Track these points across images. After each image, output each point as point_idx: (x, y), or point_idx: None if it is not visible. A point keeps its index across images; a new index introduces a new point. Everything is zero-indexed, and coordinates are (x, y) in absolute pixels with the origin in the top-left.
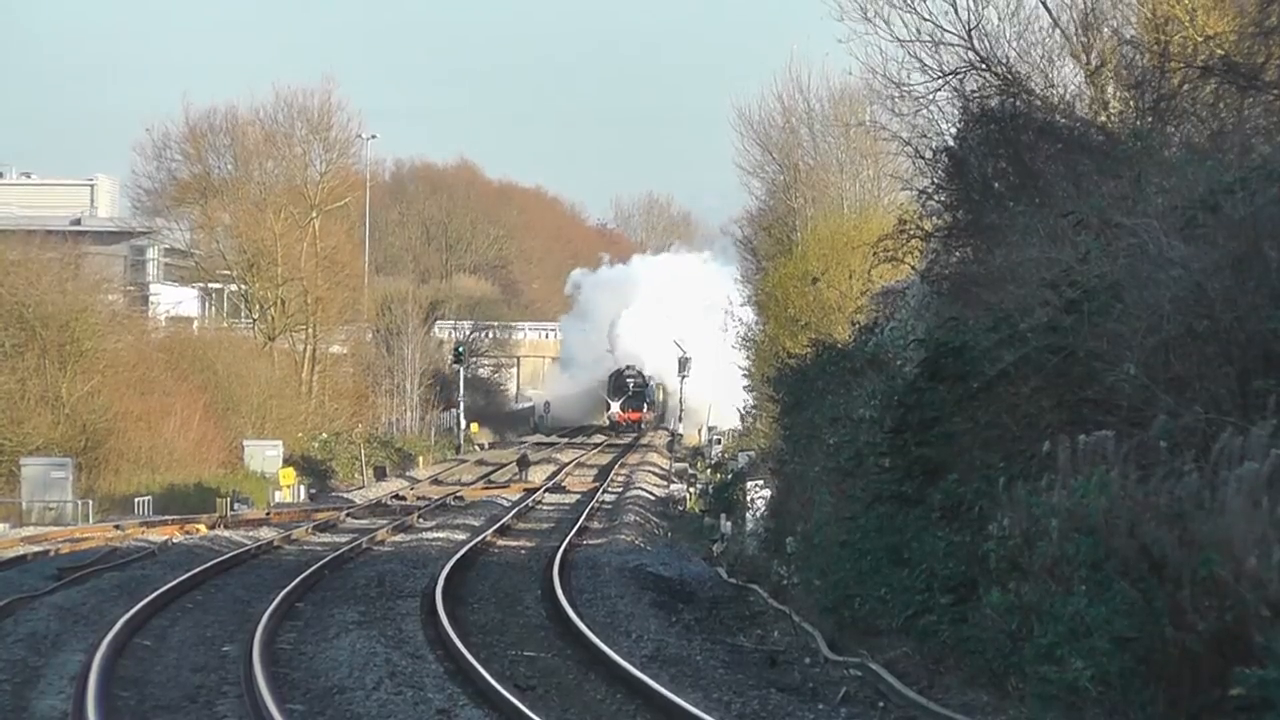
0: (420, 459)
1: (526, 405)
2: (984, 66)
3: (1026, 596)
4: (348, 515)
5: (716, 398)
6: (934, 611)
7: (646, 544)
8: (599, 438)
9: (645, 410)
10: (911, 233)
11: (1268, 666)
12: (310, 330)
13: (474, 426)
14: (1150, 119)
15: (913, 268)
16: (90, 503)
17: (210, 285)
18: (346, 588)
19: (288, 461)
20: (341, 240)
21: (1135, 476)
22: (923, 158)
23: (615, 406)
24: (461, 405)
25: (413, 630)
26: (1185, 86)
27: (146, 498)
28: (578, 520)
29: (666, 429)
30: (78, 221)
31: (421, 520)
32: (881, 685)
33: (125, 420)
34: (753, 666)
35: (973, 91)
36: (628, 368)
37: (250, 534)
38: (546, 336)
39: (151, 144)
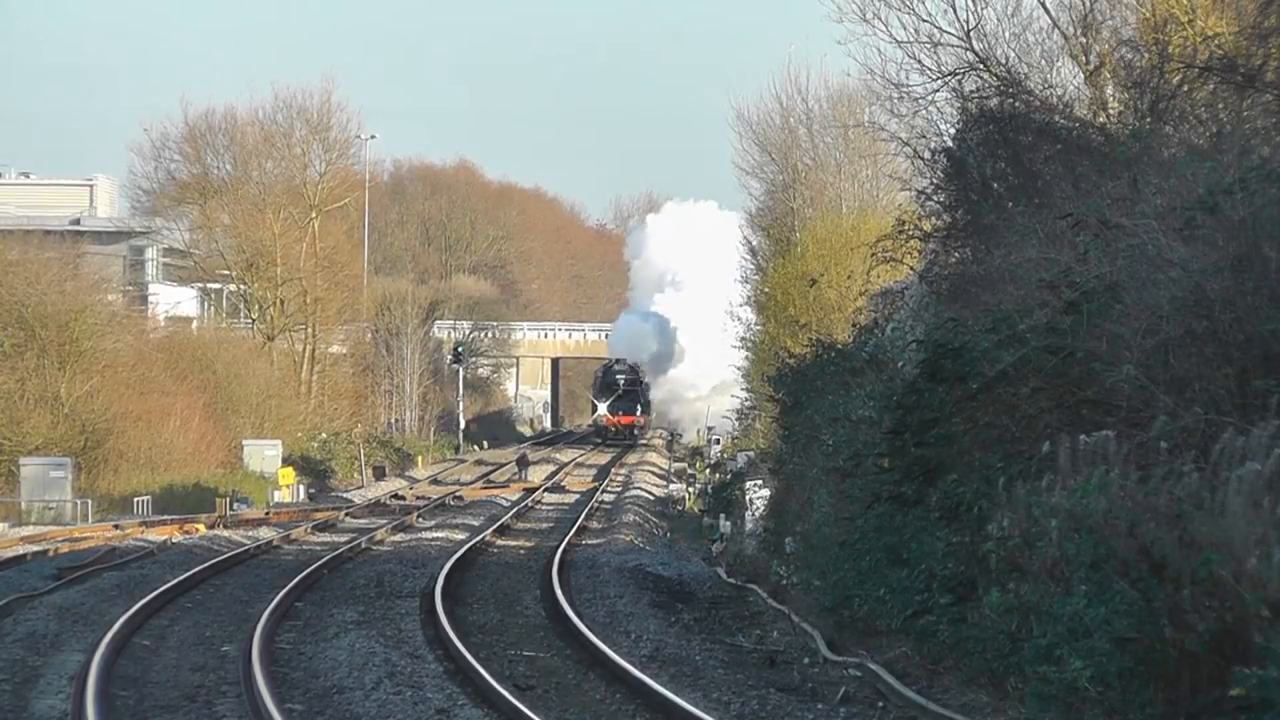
0: (419, 459)
1: (526, 404)
2: (983, 67)
3: (1026, 597)
4: (347, 515)
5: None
6: (933, 612)
7: (645, 544)
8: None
9: (639, 413)
10: (910, 233)
11: (1267, 666)
12: (309, 330)
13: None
14: (1149, 120)
15: (911, 268)
16: (89, 502)
17: (209, 285)
18: (345, 587)
19: (287, 461)
20: (341, 240)
21: (1135, 477)
22: (921, 158)
23: (603, 408)
24: (461, 405)
25: (412, 630)
26: (1184, 87)
27: (146, 497)
28: (577, 520)
29: (666, 430)
30: (77, 221)
31: (421, 520)
32: (881, 685)
33: (124, 420)
34: (752, 666)
35: (971, 92)
36: (617, 362)
37: (249, 534)
38: (545, 336)
39: (150, 144)
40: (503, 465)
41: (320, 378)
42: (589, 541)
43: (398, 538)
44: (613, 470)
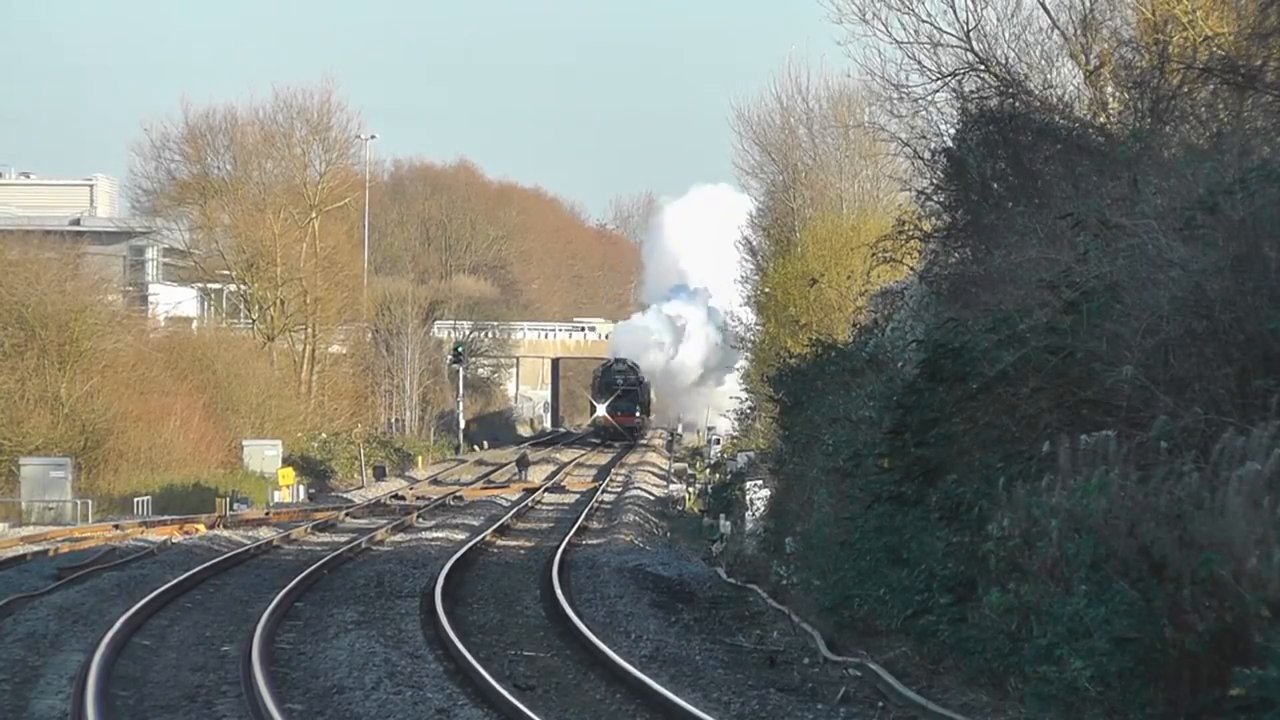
0: (419, 459)
1: (526, 404)
2: (982, 67)
3: (1026, 597)
4: (347, 515)
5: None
6: (933, 612)
7: (646, 544)
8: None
9: (638, 413)
10: (910, 233)
11: (1267, 666)
12: (309, 330)
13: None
14: (1149, 120)
15: (911, 268)
16: (89, 502)
17: (209, 285)
18: (346, 587)
19: (287, 461)
20: (341, 240)
21: (1135, 477)
22: (921, 159)
23: (602, 409)
24: (461, 405)
25: (412, 630)
26: (1184, 88)
27: (146, 497)
28: (577, 520)
29: (667, 430)
30: (77, 221)
31: (421, 520)
32: (881, 685)
33: (124, 420)
34: (752, 666)
35: (971, 92)
36: (617, 361)
37: (249, 534)
38: (546, 336)
39: (150, 144)
40: (503, 465)
41: (320, 378)
42: (589, 541)
43: (398, 538)
44: (613, 470)
